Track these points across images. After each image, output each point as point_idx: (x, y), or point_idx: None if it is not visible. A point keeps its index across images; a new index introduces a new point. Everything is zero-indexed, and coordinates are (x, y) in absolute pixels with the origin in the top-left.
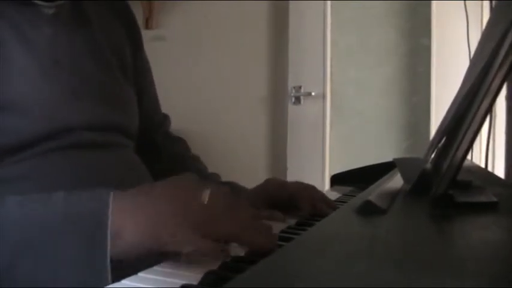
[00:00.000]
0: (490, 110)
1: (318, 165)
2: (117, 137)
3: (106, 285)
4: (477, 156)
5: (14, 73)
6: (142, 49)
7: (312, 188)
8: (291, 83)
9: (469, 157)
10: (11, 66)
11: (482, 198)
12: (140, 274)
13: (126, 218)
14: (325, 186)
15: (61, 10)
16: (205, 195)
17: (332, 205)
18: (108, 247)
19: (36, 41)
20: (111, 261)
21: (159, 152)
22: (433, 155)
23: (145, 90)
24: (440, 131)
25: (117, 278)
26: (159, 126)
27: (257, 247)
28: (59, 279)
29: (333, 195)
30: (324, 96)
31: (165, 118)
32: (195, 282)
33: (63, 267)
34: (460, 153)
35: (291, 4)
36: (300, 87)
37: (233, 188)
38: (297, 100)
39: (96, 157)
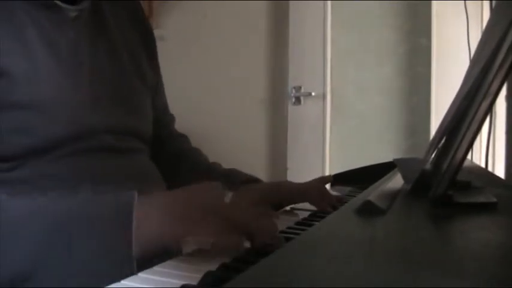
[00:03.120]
0: (490, 110)
1: (318, 165)
2: (135, 142)
3: (132, 270)
4: (477, 156)
5: (39, 74)
6: (157, 57)
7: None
8: (291, 83)
9: (469, 157)
10: (36, 67)
11: (482, 199)
12: (140, 274)
13: (148, 214)
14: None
15: (82, 14)
16: (225, 196)
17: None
18: (133, 236)
19: (60, 43)
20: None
21: (163, 148)
22: (433, 155)
23: (158, 96)
24: (440, 131)
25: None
26: (167, 126)
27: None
28: (86, 266)
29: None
30: (324, 97)
31: (172, 118)
32: (194, 283)
33: (89, 255)
34: (460, 154)
35: (291, 4)
36: (300, 88)
37: (235, 176)
38: (297, 100)
39: (115, 161)
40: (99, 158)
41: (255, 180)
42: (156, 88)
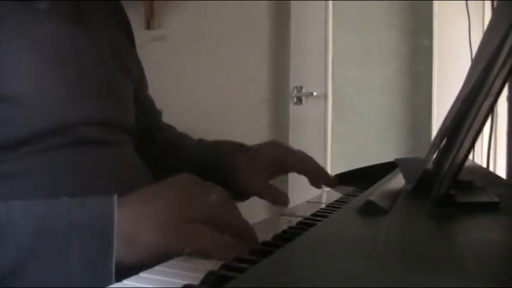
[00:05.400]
0: (491, 110)
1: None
2: (118, 134)
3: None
4: (479, 156)
5: (17, 66)
6: (135, 47)
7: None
8: (293, 83)
9: (470, 157)
10: (14, 59)
11: (484, 199)
12: (141, 274)
13: (136, 225)
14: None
15: (57, 6)
16: (208, 192)
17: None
18: (113, 257)
19: (38, 36)
20: (126, 268)
21: (153, 141)
22: (434, 155)
23: (144, 88)
24: (442, 131)
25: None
26: (155, 120)
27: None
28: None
29: (335, 195)
30: (325, 97)
31: (160, 112)
32: (196, 283)
33: (66, 275)
34: (461, 154)
35: (293, 4)
36: (302, 88)
37: (232, 145)
38: (299, 100)
39: (98, 154)
40: (81, 152)
41: (242, 146)
42: (141, 81)
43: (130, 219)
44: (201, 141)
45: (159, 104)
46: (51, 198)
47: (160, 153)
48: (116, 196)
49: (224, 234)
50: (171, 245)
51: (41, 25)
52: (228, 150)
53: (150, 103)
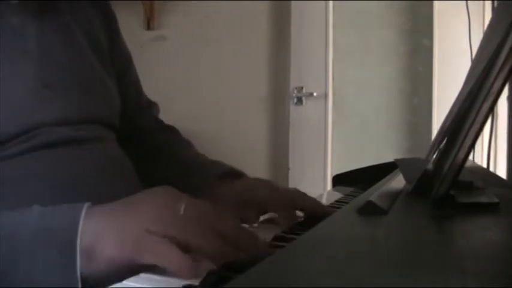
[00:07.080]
0: (491, 110)
1: (320, 166)
2: (97, 130)
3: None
4: (479, 156)
5: None
6: (119, 34)
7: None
8: (293, 83)
9: (470, 157)
10: None
11: (484, 199)
12: (141, 274)
13: (100, 233)
14: (327, 187)
15: (29, 0)
16: (181, 207)
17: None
18: (78, 266)
19: (2, 30)
20: (88, 278)
21: (143, 139)
22: (434, 156)
23: (124, 74)
24: (442, 132)
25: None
26: (142, 110)
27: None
28: None
29: (335, 196)
30: (325, 97)
31: (151, 104)
32: (196, 283)
33: (32, 284)
34: (461, 154)
35: (293, 4)
36: (302, 88)
37: (235, 174)
38: (299, 101)
39: (75, 154)
40: (56, 154)
41: (235, 175)
42: (122, 69)
43: (92, 230)
44: (213, 162)
45: (159, 104)
46: (24, 207)
47: (144, 157)
48: (85, 206)
49: (189, 255)
50: (125, 257)
51: (6, 20)
52: (209, 175)
53: (136, 90)
